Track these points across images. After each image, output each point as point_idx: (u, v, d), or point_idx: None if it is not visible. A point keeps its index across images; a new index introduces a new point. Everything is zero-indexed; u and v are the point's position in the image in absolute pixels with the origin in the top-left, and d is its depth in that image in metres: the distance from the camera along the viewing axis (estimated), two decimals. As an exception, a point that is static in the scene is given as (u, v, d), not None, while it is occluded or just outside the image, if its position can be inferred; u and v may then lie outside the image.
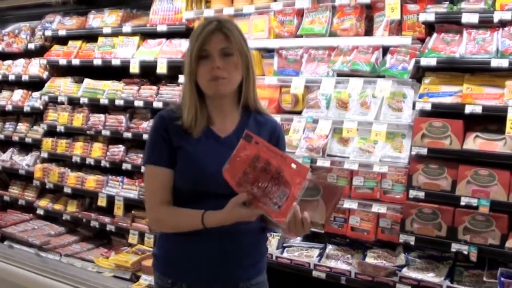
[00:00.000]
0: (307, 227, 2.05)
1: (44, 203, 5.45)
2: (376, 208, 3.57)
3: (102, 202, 4.91)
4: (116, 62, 4.87)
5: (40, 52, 5.54)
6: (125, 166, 4.80)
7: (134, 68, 4.73)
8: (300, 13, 4.05)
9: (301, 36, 4.01)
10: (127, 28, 4.90)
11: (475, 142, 3.30)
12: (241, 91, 2.28)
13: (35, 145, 5.61)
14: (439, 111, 3.38)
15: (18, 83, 5.78)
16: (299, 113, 4.00)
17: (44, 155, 5.42)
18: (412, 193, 3.42)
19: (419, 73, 3.61)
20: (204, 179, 2.17)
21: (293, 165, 1.94)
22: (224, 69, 2.16)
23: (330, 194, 2.09)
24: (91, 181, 5.04)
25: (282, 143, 2.42)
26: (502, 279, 3.14)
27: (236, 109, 2.31)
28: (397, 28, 3.68)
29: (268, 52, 4.25)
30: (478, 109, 3.20)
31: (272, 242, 3.93)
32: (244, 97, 2.28)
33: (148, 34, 4.88)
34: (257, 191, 1.96)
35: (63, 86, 5.30)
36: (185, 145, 2.21)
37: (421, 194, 3.39)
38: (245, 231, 2.20)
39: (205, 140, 2.23)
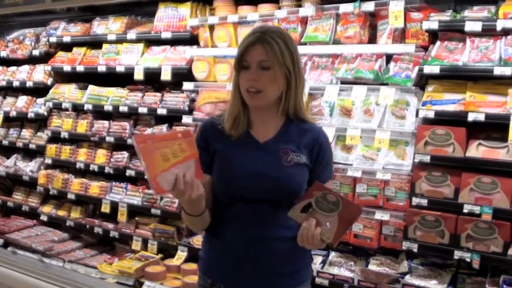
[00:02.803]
0: (318, 243, 2.08)
1: (47, 209, 5.45)
2: (379, 215, 3.57)
3: (105, 208, 4.92)
4: (120, 68, 4.88)
5: (44, 58, 5.56)
6: (129, 172, 4.80)
7: (138, 75, 4.75)
8: (304, 21, 4.07)
9: (305, 43, 4.02)
10: (131, 35, 4.92)
11: (478, 150, 3.31)
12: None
13: (39, 151, 5.62)
14: (442, 119, 3.39)
15: (22, 90, 5.80)
16: (303, 120, 4.01)
17: (48, 161, 5.43)
18: (415, 200, 3.43)
19: (422, 81, 3.63)
20: (238, 181, 2.21)
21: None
22: (259, 81, 2.17)
23: (348, 213, 2.07)
24: (94, 188, 5.05)
25: (327, 149, 2.37)
26: (505, 286, 3.15)
27: (279, 116, 2.31)
28: (400, 36, 3.70)
29: (271, 60, 4.26)
30: (481, 117, 3.22)
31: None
32: (283, 107, 2.28)
33: (152, 41, 4.91)
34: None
35: (68, 93, 5.32)
36: (222, 147, 2.27)
37: (424, 202, 3.40)
38: (274, 238, 2.24)
39: (243, 144, 2.27)
